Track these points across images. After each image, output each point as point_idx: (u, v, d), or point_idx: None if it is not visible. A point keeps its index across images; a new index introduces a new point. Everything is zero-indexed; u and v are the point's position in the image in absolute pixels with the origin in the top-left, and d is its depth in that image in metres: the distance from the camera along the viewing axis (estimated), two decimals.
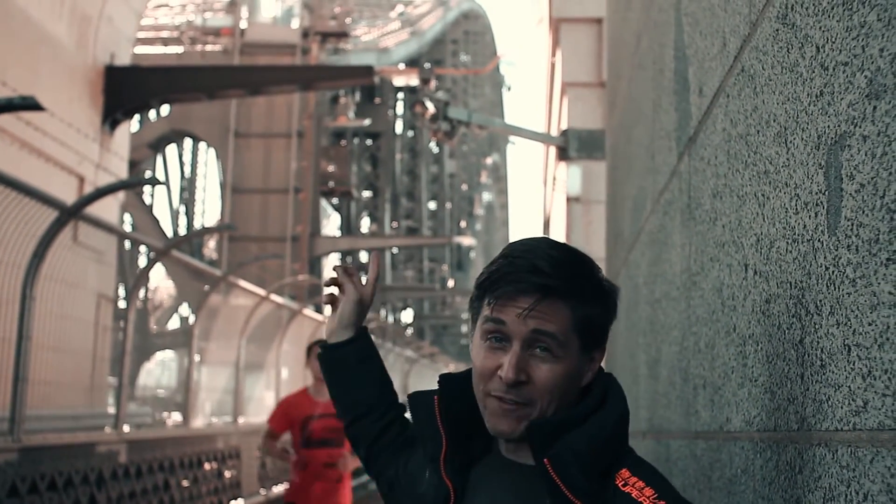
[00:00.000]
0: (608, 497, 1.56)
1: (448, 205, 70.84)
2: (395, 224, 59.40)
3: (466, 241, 61.55)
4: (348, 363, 2.17)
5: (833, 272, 1.35)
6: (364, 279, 2.27)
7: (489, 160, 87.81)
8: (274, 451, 8.72)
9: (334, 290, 2.26)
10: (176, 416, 18.35)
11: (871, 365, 1.20)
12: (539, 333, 1.62)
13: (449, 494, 1.75)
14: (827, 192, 1.38)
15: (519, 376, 1.62)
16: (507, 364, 1.62)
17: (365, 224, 56.35)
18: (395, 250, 56.80)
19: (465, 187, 78.54)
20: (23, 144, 15.21)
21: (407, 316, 63.25)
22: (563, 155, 15.51)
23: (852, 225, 1.27)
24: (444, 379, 1.80)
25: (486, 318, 1.66)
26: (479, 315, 1.70)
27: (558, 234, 17.20)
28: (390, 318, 55.30)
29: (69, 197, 11.97)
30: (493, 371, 1.64)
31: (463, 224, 76.21)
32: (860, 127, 1.25)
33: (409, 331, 52.27)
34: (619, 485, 1.57)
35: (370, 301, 2.25)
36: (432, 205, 69.35)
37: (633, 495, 1.54)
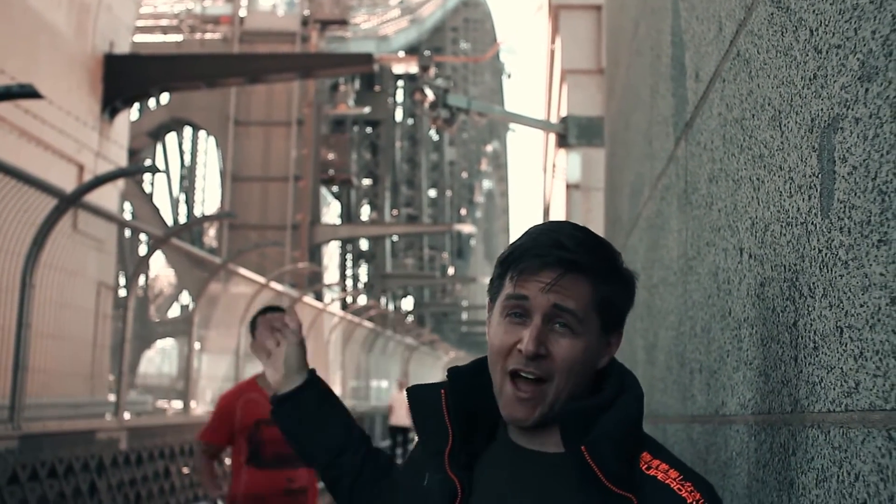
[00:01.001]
0: (634, 482, 1.56)
1: (448, 192, 70.83)
2: (395, 212, 59.39)
3: (467, 228, 61.54)
4: (308, 409, 2.12)
5: (826, 254, 1.35)
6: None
7: (489, 148, 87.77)
8: (206, 477, 6.26)
9: (270, 343, 2.17)
10: (176, 404, 18.36)
11: (863, 346, 1.20)
12: (560, 309, 1.62)
13: (456, 490, 1.71)
14: (820, 175, 1.39)
15: (539, 349, 1.61)
16: (527, 337, 1.61)
17: (365, 212, 56.33)
18: (395, 238, 56.79)
19: (465, 175, 78.51)
20: (21, 133, 15.20)
21: (407, 304, 63.31)
22: (562, 142, 15.51)
23: (845, 207, 1.28)
24: (453, 372, 1.79)
25: (507, 295, 1.66)
26: (498, 295, 1.70)
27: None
28: (390, 306, 55.33)
29: (69, 185, 11.96)
30: (512, 346, 1.64)
31: (463, 212, 76.22)
32: (852, 109, 1.25)
33: (410, 318, 52.27)
34: (644, 468, 1.58)
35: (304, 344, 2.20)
36: (432, 192, 69.34)
37: (658, 478, 1.56)
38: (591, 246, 1.68)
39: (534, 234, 1.69)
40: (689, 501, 1.51)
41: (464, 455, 1.73)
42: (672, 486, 1.54)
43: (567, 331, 1.63)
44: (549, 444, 1.67)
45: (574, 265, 1.63)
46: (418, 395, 1.81)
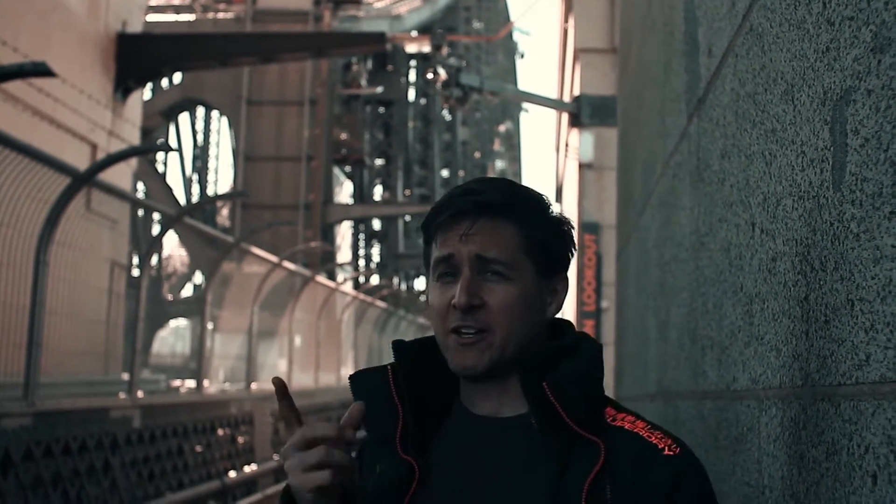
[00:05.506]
0: (602, 430, 1.50)
1: (461, 172, 70.71)
2: (407, 192, 59.33)
3: None
4: None
5: (837, 227, 1.35)
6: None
7: (502, 128, 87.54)
8: None
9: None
10: (189, 384, 18.46)
11: (874, 318, 1.20)
12: (484, 259, 1.56)
13: (412, 472, 1.57)
14: (832, 148, 1.38)
15: (472, 300, 1.54)
16: (458, 290, 1.55)
17: (377, 192, 56.30)
18: (407, 218, 56.71)
19: (477, 155, 78.33)
20: (35, 112, 15.24)
21: (420, 283, 63.35)
22: (575, 121, 15.49)
23: (856, 180, 1.27)
24: (397, 345, 1.69)
25: (435, 259, 1.60)
26: (430, 262, 1.63)
27: (570, 201, 17.17)
28: (403, 286, 55.37)
29: (82, 164, 11.99)
30: (448, 304, 1.57)
31: None
32: (865, 81, 1.25)
33: (422, 298, 52.31)
34: (609, 420, 1.53)
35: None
36: (445, 172, 69.21)
37: (626, 427, 1.51)
38: (509, 187, 1.63)
39: (449, 191, 1.64)
40: (660, 447, 1.48)
41: (416, 437, 1.60)
42: (642, 433, 1.50)
43: (498, 277, 1.56)
44: (507, 407, 1.59)
45: (488, 207, 1.57)
46: (361, 380, 1.66)
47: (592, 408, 1.53)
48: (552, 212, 1.66)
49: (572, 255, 1.69)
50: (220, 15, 41.28)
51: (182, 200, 42.80)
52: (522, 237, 1.59)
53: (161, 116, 42.44)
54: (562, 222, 1.66)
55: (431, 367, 1.65)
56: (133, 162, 19.80)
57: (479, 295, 1.56)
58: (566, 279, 1.68)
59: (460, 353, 1.57)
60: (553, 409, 1.50)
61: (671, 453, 1.47)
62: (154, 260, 30.69)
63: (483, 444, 1.58)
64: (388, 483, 1.59)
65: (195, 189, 47.44)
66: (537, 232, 1.61)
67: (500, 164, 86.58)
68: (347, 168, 48.77)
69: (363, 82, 46.45)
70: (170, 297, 42.73)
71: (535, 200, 1.65)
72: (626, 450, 1.48)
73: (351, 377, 1.67)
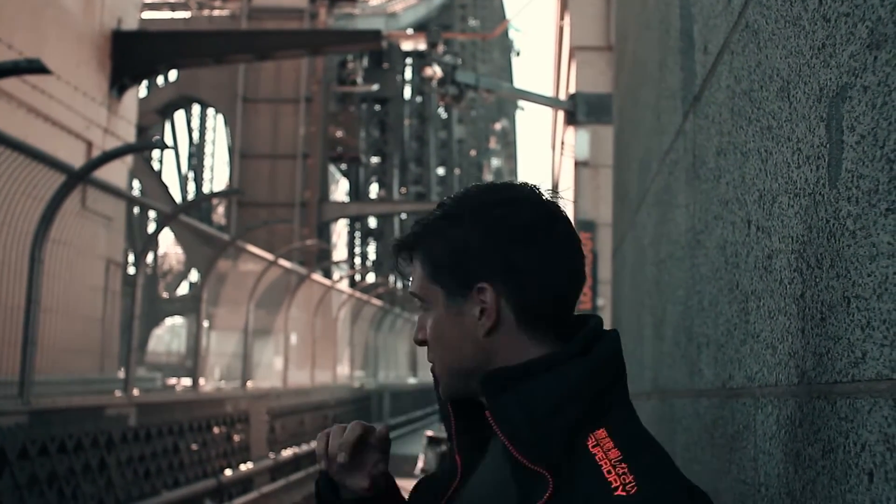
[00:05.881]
0: (573, 458, 1.37)
1: (457, 170, 70.75)
2: (403, 190, 59.34)
3: None
4: None
5: (833, 225, 1.35)
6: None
7: (498, 126, 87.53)
8: None
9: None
10: (185, 382, 18.46)
11: (870, 316, 1.19)
12: (412, 295, 1.59)
13: (456, 471, 1.58)
14: (828, 145, 1.38)
15: (417, 335, 1.59)
16: None
17: (373, 189, 56.33)
18: (403, 216, 56.70)
19: (473, 153, 78.37)
20: (30, 109, 15.21)
21: None
22: (571, 119, 15.51)
23: (852, 177, 1.27)
24: None
25: None
26: None
27: (566, 199, 17.15)
28: (399, 284, 55.36)
29: (77, 162, 11.97)
30: None
31: None
32: (861, 78, 1.24)
33: None
34: (590, 445, 1.38)
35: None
36: (441, 170, 69.26)
37: (597, 457, 1.36)
38: (426, 218, 1.58)
39: None
40: (614, 485, 1.31)
41: (469, 439, 1.58)
42: (603, 467, 1.34)
43: (427, 312, 1.56)
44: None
45: (402, 247, 1.59)
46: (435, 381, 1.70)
47: (550, 437, 1.39)
48: (453, 210, 1.54)
49: (510, 250, 1.49)
50: (216, 12, 41.26)
51: (178, 198, 42.82)
52: (427, 265, 1.55)
53: (157, 114, 42.44)
54: (459, 217, 1.52)
55: None
56: (129, 159, 19.78)
57: (425, 328, 1.57)
58: (496, 285, 1.49)
59: None
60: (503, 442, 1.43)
61: (623, 494, 1.31)
62: (150, 258, 30.69)
63: (488, 459, 1.55)
64: (444, 476, 1.63)
65: (191, 187, 47.50)
66: (431, 253, 1.54)
67: (495, 161, 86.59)
68: (343, 166, 48.79)
69: (359, 80, 46.44)
70: (165, 294, 42.73)
71: (436, 215, 1.56)
72: (581, 484, 1.35)
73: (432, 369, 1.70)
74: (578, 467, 1.36)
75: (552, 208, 1.56)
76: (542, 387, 1.43)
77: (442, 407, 1.62)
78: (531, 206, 1.53)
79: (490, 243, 1.49)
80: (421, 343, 1.57)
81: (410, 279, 1.59)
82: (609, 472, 1.33)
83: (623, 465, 1.33)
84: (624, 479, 1.32)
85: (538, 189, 1.58)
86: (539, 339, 1.49)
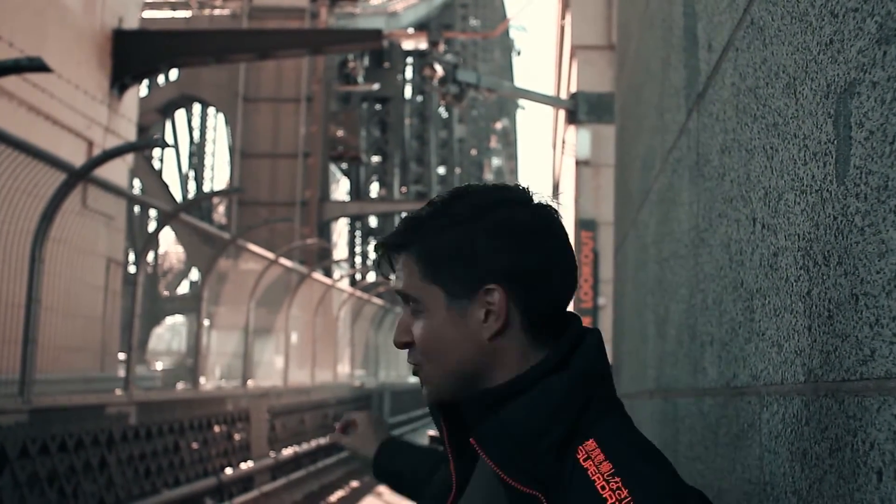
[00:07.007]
0: (565, 474, 1.35)
1: (457, 170, 70.76)
2: (404, 189, 59.35)
3: None
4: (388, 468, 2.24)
5: (841, 222, 1.34)
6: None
7: (499, 125, 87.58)
8: None
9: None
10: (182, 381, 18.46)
11: (879, 313, 1.19)
12: (399, 294, 1.55)
13: (451, 487, 1.57)
14: (836, 142, 1.37)
15: (401, 337, 1.54)
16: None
17: (374, 189, 56.34)
18: (404, 215, 56.69)
19: (474, 152, 78.39)
20: (31, 108, 15.22)
21: None
22: (572, 118, 15.51)
23: (861, 173, 1.26)
24: None
25: None
26: None
27: (567, 198, 17.18)
28: (399, 284, 55.31)
29: (78, 161, 11.97)
30: None
31: None
32: (870, 73, 1.23)
33: None
34: (581, 459, 1.35)
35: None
36: (442, 170, 69.27)
37: (588, 472, 1.33)
38: (418, 213, 1.55)
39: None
40: (609, 502, 1.30)
41: (467, 453, 1.55)
42: (597, 483, 1.32)
43: (417, 313, 1.52)
44: None
45: (393, 246, 1.55)
46: None
47: (537, 458, 1.37)
48: (455, 209, 1.52)
49: (494, 248, 1.48)
50: (217, 11, 41.24)
51: (178, 197, 42.81)
52: (423, 264, 1.50)
53: (157, 113, 42.44)
54: (462, 216, 1.50)
55: None
56: (129, 158, 19.78)
57: (410, 331, 1.53)
58: (504, 287, 1.47)
59: None
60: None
61: None
62: (150, 256, 30.69)
63: (479, 471, 1.54)
64: (438, 487, 1.68)
65: (191, 186, 47.46)
66: (429, 249, 1.51)
67: (496, 161, 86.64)
68: (344, 165, 48.76)
69: (360, 79, 46.44)
70: (166, 293, 42.74)
71: (433, 212, 1.53)
72: (573, 501, 1.33)
73: None
74: (571, 484, 1.34)
75: (551, 210, 1.54)
76: (525, 406, 1.41)
77: (437, 422, 1.61)
78: (532, 207, 1.52)
79: (496, 244, 1.47)
80: (404, 346, 1.53)
81: (393, 278, 1.56)
82: (603, 487, 1.31)
83: (616, 479, 1.31)
84: (619, 493, 1.30)
85: (530, 191, 1.56)
86: (540, 341, 1.49)
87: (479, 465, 1.52)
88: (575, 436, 1.38)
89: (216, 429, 15.16)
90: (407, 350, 1.55)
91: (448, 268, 1.48)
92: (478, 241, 1.47)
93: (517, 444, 1.38)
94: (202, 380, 16.30)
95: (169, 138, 46.13)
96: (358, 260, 52.48)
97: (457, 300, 1.48)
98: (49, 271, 10.15)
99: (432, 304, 1.49)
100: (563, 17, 19.42)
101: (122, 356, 14.63)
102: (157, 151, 43.67)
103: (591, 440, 1.36)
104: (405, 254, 1.52)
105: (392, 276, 1.56)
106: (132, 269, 21.26)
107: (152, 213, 24.48)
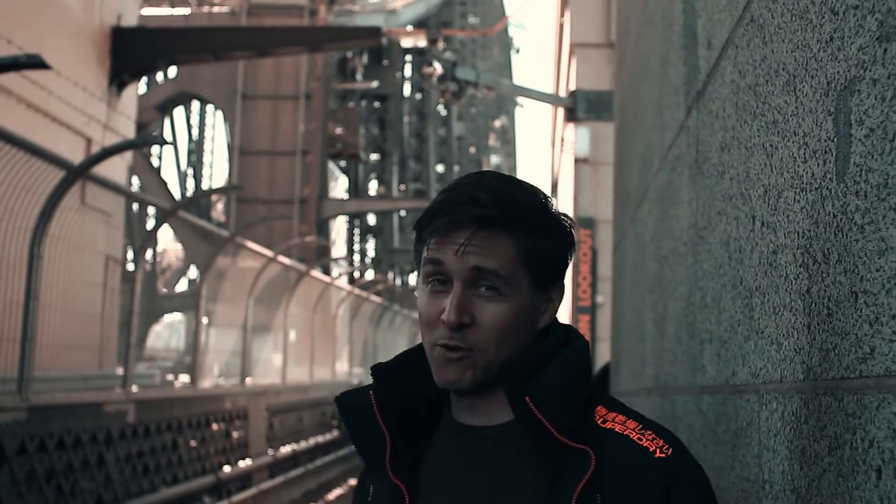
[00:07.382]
0: (591, 436, 1.45)
1: (456, 167, 70.73)
2: (402, 187, 59.32)
3: None
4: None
5: (841, 219, 1.33)
6: None
7: (497, 123, 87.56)
8: None
9: None
10: (184, 378, 18.45)
11: (879, 311, 1.18)
12: (480, 271, 1.49)
13: (402, 496, 1.55)
14: (836, 139, 1.36)
15: (462, 318, 1.48)
16: (448, 306, 1.48)
17: (373, 186, 56.31)
18: (402, 213, 56.69)
19: (473, 150, 78.36)
20: (29, 105, 15.20)
21: (414, 279, 63.35)
22: (571, 116, 15.50)
23: (861, 171, 1.26)
24: (376, 369, 1.63)
25: (424, 259, 1.54)
26: (420, 260, 1.57)
27: (566, 196, 17.18)
28: (398, 281, 55.38)
29: (76, 158, 11.96)
30: (436, 317, 1.51)
31: None
32: (870, 71, 1.23)
33: (417, 293, 52.28)
34: (599, 422, 1.48)
35: None
36: (440, 167, 69.23)
37: (616, 430, 1.46)
38: (509, 196, 1.52)
39: (449, 190, 1.54)
40: (651, 450, 1.43)
41: (407, 457, 1.58)
42: (632, 436, 1.45)
43: (493, 293, 1.49)
44: (495, 415, 1.55)
45: (488, 220, 1.49)
46: (348, 403, 1.66)
47: (579, 416, 1.47)
48: (554, 215, 1.58)
49: (571, 257, 1.61)
50: (216, 9, 41.21)
51: (177, 195, 42.77)
52: (521, 250, 1.51)
53: (156, 110, 42.41)
54: (562, 226, 1.58)
55: (417, 380, 1.60)
56: (128, 156, 19.77)
57: (469, 312, 1.49)
58: (563, 285, 1.61)
59: (444, 367, 1.51)
60: (540, 423, 1.45)
61: (662, 455, 1.43)
62: (149, 254, 30.63)
63: (473, 455, 1.55)
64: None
65: (190, 183, 47.42)
66: (537, 243, 1.53)
67: (495, 159, 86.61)
68: (342, 163, 48.74)
69: (359, 77, 46.42)
70: (164, 291, 42.71)
71: (537, 208, 1.55)
72: (616, 455, 1.43)
73: (337, 399, 1.69)
74: (605, 442, 1.45)
75: None
76: (559, 372, 1.49)
77: (364, 433, 1.60)
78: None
79: (573, 243, 1.61)
80: (460, 327, 1.49)
81: (464, 248, 1.49)
82: (640, 439, 1.45)
83: (648, 431, 1.46)
84: (657, 442, 1.45)
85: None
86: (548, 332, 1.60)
87: (480, 462, 1.53)
88: (591, 402, 1.52)
89: (214, 426, 15.16)
90: (445, 329, 1.50)
91: (542, 262, 1.55)
92: (567, 241, 1.59)
93: (563, 404, 1.46)
94: (200, 377, 16.30)
95: (168, 136, 46.09)
96: (356, 258, 52.49)
97: (538, 290, 1.56)
98: (47, 269, 10.15)
99: (518, 290, 1.52)
100: (562, 15, 19.42)
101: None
102: (155, 149, 43.62)
103: (599, 406, 1.52)
104: (502, 233, 1.51)
105: (454, 244, 1.51)
106: (131, 266, 21.26)
107: (151, 210, 24.44)
